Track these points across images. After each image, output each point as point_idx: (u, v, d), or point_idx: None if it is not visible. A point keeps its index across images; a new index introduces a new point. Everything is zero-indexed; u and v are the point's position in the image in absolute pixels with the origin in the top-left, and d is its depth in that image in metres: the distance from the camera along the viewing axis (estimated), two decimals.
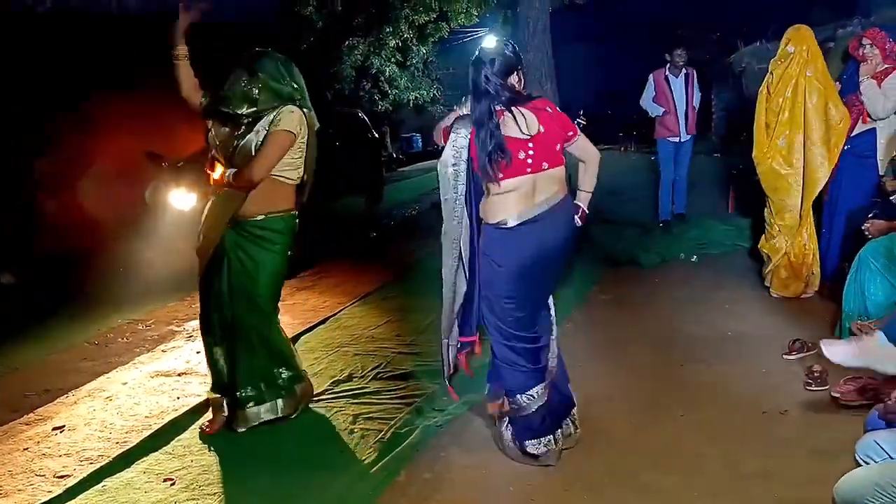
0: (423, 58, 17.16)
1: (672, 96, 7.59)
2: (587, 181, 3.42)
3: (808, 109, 5.03)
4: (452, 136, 3.22)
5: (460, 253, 3.26)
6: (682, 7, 18.84)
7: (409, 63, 16.98)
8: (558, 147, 3.24)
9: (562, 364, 3.54)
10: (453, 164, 3.21)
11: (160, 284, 6.77)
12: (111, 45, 9.03)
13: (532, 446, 3.32)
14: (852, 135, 5.05)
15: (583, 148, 3.36)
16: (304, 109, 3.69)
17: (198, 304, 6.20)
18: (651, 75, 7.77)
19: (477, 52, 3.25)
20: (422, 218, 10.53)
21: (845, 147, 5.06)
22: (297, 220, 3.84)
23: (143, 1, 9.90)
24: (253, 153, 3.58)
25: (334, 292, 6.29)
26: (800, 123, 5.06)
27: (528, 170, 3.16)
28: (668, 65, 7.65)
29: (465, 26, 15.09)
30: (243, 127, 3.63)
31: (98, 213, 8.59)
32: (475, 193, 3.28)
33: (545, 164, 3.18)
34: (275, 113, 3.61)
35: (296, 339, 5.06)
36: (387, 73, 16.40)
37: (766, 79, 5.29)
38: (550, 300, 3.47)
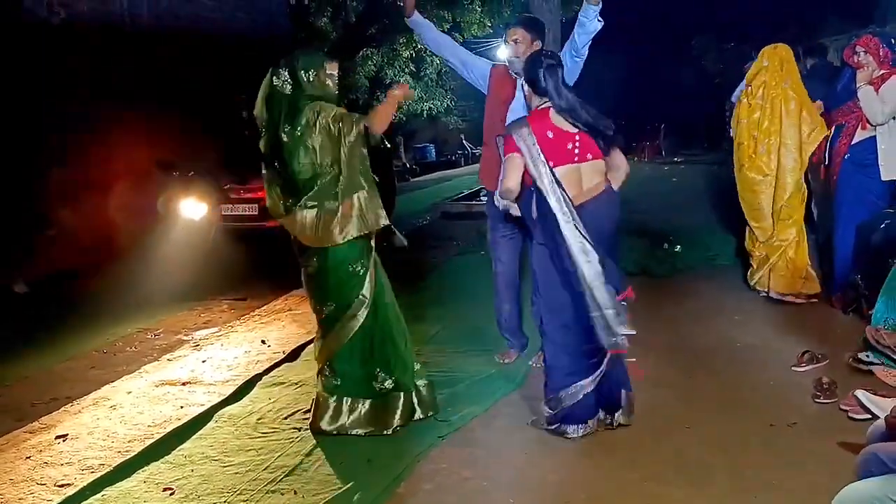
0: (437, 68, 17.23)
1: None
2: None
3: (784, 115, 5.32)
4: (517, 140, 3.44)
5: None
6: (697, 17, 18.82)
7: (422, 74, 17.05)
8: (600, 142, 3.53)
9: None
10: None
11: (171, 293, 6.80)
12: (123, 58, 9.15)
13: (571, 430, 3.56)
14: (852, 143, 5.03)
15: None
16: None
17: (206, 314, 6.37)
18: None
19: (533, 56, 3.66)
20: (433, 228, 10.53)
21: (845, 156, 5.06)
22: None
23: (156, 15, 10.00)
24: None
25: None
26: (777, 130, 5.34)
27: (576, 159, 3.48)
28: None
29: (477, 37, 15.16)
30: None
31: (110, 223, 8.67)
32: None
33: (589, 155, 3.50)
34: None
35: (301, 348, 5.05)
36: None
37: (745, 91, 5.53)
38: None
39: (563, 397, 3.51)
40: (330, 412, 3.76)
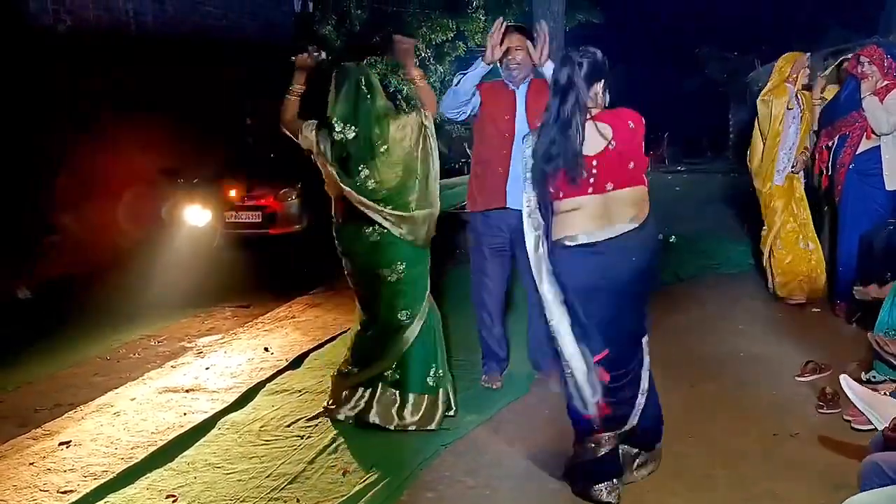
0: (441, 77, 17.24)
1: None
2: None
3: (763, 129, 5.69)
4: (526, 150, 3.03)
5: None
6: (701, 26, 18.86)
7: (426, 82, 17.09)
8: (632, 165, 2.97)
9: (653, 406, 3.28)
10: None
11: (174, 300, 6.81)
12: (128, 65, 9.18)
13: (597, 491, 3.06)
14: (857, 153, 5.04)
15: None
16: None
17: (210, 321, 6.38)
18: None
19: (566, 51, 2.99)
20: (435, 237, 10.53)
21: (850, 166, 5.07)
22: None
23: (161, 23, 10.04)
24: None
25: (345, 309, 6.25)
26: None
27: (590, 190, 2.92)
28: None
29: (481, 45, 15.17)
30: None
31: (114, 229, 8.69)
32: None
33: (609, 185, 2.92)
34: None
35: (304, 356, 5.06)
36: (404, 92, 16.50)
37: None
38: (645, 346, 3.29)
39: (588, 448, 3.11)
40: (383, 406, 3.88)
